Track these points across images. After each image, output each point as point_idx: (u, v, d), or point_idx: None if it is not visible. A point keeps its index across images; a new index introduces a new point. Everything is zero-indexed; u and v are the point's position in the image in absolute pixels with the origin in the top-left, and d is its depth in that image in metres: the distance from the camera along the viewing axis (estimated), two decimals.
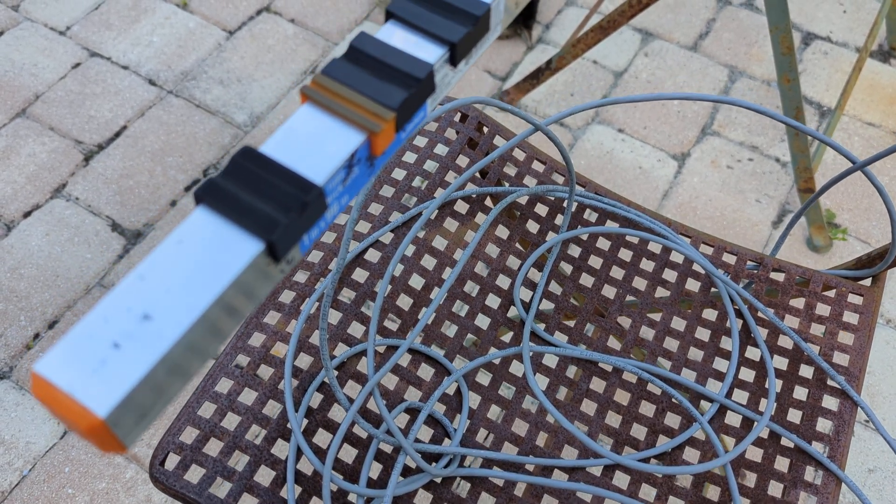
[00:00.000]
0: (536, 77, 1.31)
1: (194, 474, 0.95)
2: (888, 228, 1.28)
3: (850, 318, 0.64)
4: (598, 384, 0.82)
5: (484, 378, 0.88)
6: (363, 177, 0.30)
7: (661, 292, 1.04)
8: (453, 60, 0.32)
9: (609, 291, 0.63)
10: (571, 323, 0.93)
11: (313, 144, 0.29)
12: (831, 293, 0.64)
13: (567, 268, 0.94)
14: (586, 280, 0.74)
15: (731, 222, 1.27)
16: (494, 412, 0.80)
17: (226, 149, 1.31)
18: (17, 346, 1.10)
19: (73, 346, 0.23)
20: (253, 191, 0.27)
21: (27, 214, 1.22)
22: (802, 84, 1.45)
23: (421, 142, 0.68)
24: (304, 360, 1.09)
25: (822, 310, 0.86)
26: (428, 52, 0.31)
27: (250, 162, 0.27)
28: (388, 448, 0.55)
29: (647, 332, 0.99)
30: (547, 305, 0.65)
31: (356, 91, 0.30)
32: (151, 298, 0.24)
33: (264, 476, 1.00)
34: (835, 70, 1.47)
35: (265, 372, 0.70)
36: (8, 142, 1.30)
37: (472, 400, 0.58)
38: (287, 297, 0.62)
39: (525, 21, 1.49)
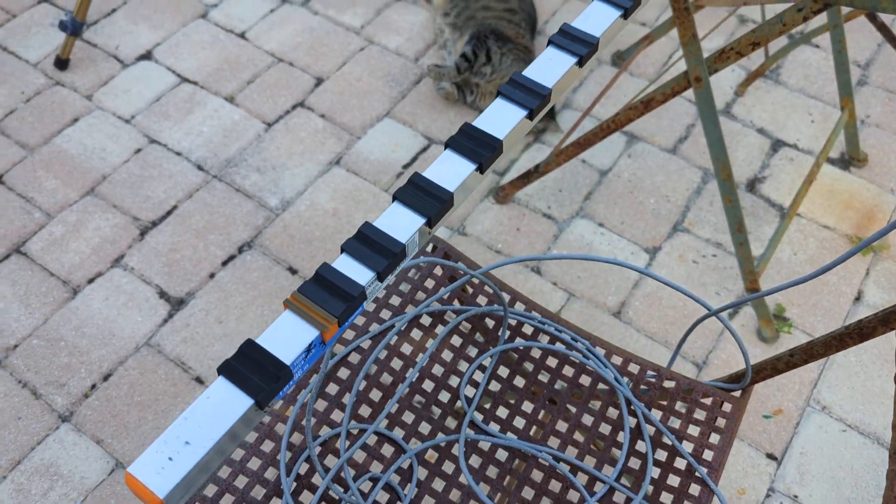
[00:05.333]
0: (527, 178, 1.52)
1: None
2: (833, 324, 1.44)
3: (721, 421, 0.82)
4: (519, 465, 1.00)
5: (433, 455, 1.06)
6: (318, 352, 0.51)
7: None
8: (380, 278, 0.52)
9: (535, 390, 0.83)
10: (504, 415, 1.12)
11: (287, 337, 0.49)
12: (708, 400, 0.83)
13: (504, 370, 1.13)
14: (518, 381, 0.93)
15: (692, 312, 1.45)
16: (438, 483, 0.99)
17: (259, 229, 1.54)
18: (77, 394, 1.33)
19: (150, 455, 0.43)
20: (250, 367, 0.47)
21: (90, 281, 1.46)
22: (767, 188, 1.63)
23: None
24: (298, 437, 1.29)
25: (700, 414, 1.04)
26: (362, 275, 0.52)
27: (250, 349, 0.48)
28: None
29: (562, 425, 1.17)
30: (487, 400, 0.85)
31: (314, 303, 0.50)
32: (190, 431, 0.45)
33: None
34: (798, 176, 1.65)
35: (268, 445, 0.90)
36: (78, 217, 1.54)
37: (421, 473, 0.78)
38: None
39: (550, 114, 1.70)
